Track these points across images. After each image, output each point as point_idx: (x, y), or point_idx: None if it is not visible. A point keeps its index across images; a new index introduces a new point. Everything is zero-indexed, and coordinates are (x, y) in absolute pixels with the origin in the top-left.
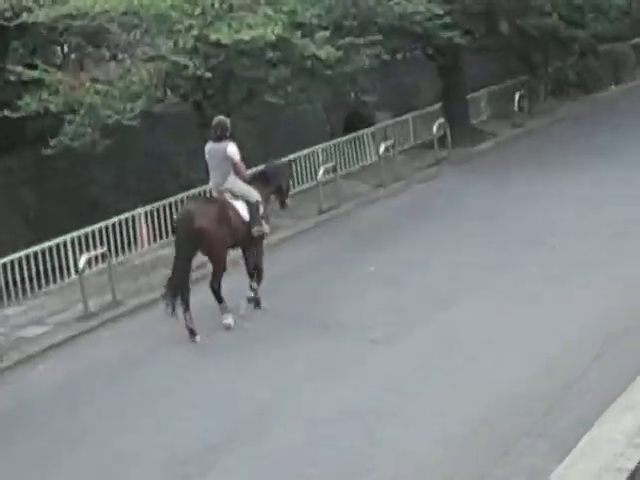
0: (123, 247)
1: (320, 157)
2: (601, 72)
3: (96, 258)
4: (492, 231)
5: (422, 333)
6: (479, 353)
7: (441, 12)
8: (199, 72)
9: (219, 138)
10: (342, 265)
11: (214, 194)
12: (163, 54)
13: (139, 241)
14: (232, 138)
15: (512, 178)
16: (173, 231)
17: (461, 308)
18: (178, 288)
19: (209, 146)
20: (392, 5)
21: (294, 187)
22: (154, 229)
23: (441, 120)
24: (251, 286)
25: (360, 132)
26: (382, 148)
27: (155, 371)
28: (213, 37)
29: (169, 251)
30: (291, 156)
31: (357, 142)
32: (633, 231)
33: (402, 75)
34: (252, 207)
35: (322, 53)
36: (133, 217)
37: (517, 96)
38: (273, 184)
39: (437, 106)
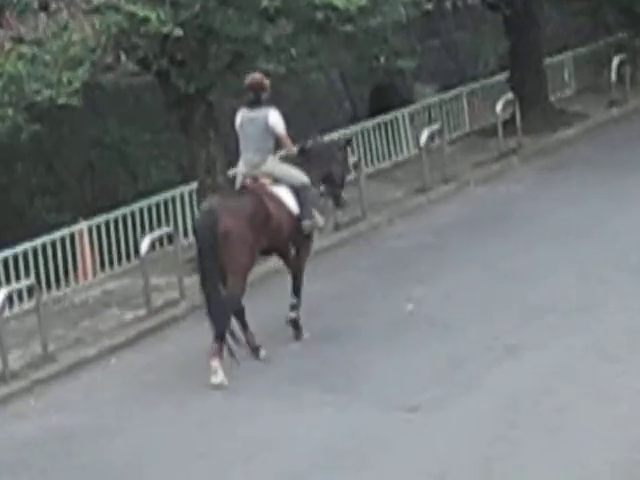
0: (58, 278)
1: None
2: None
3: (20, 293)
4: (580, 254)
5: (480, 397)
6: (563, 425)
7: None
8: (165, 28)
9: (255, 103)
10: (368, 303)
11: (247, 181)
12: (114, 3)
13: (81, 270)
14: (273, 103)
15: (609, 179)
16: (194, 233)
17: (534, 362)
18: (221, 319)
19: (242, 114)
20: None
21: None
22: (102, 253)
23: (508, 96)
24: (292, 305)
25: (393, 113)
26: (425, 136)
27: (104, 458)
28: None
29: (123, 283)
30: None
31: (389, 127)
32: None
33: (453, 32)
34: (301, 194)
35: (339, 1)
36: (72, 235)
37: (615, 62)
38: (320, 168)
39: (502, 76)
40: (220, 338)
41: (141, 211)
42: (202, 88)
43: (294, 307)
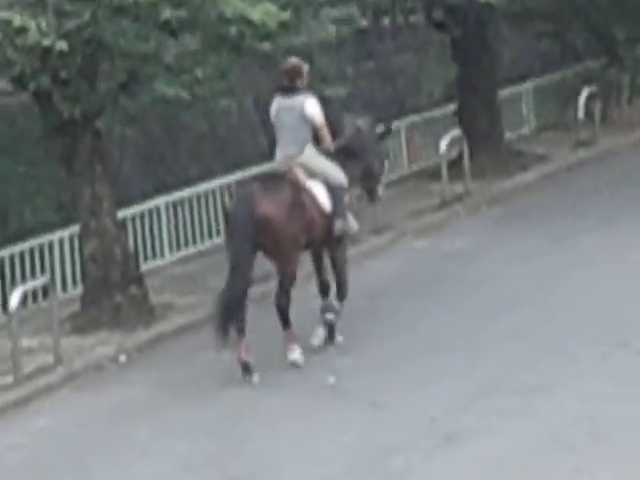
0: None
1: None
2: None
3: None
4: (536, 324)
5: None
6: None
7: None
8: (47, 41)
9: (291, 90)
10: (279, 375)
11: (281, 170)
12: None
13: None
14: (311, 90)
15: (573, 233)
16: (226, 221)
17: (478, 451)
18: (234, 306)
19: (278, 101)
20: None
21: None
22: None
23: (455, 133)
24: (325, 307)
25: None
26: None
27: None
28: None
29: None
30: (201, 188)
31: None
32: None
33: (390, 55)
34: (336, 193)
35: (255, 14)
36: None
37: (584, 95)
38: (358, 164)
39: (449, 109)
40: (285, 325)
41: (12, 258)
42: (89, 113)
43: (334, 310)
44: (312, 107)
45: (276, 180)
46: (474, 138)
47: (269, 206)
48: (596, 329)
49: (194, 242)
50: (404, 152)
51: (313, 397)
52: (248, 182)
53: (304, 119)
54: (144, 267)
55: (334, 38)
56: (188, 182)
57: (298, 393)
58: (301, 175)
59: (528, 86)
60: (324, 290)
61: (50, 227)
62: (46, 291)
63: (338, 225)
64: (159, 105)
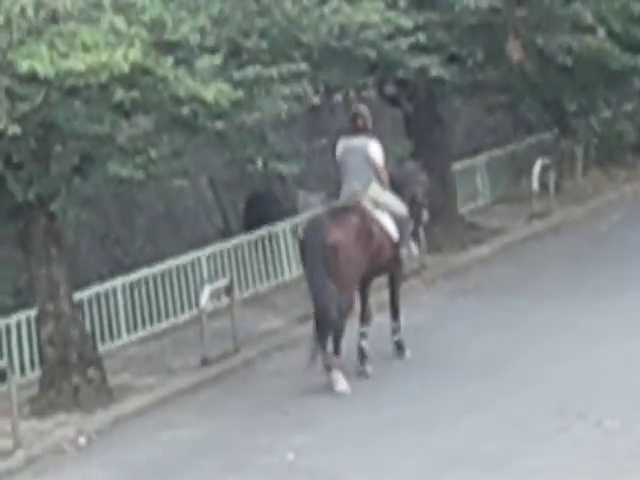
0: None
1: (204, 269)
2: None
3: None
4: (496, 396)
5: None
6: None
7: (410, 24)
8: (0, 125)
9: (358, 131)
10: (240, 454)
11: (348, 204)
12: None
13: None
14: (375, 133)
15: (530, 306)
16: (300, 250)
17: None
18: (329, 325)
19: (344, 142)
20: (327, 14)
21: None
22: None
23: None
24: (394, 329)
25: (273, 227)
26: None
27: None
28: (24, 65)
29: None
30: (157, 268)
31: (268, 243)
32: None
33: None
34: (401, 222)
35: (208, 93)
36: None
37: (538, 166)
38: (407, 194)
39: None
40: (336, 343)
41: None
42: (43, 195)
43: (395, 331)
44: (375, 150)
45: (344, 211)
46: (429, 212)
47: (338, 233)
48: (555, 401)
49: (151, 323)
50: None
51: (273, 475)
52: (319, 212)
53: (367, 160)
54: (102, 348)
55: (287, 115)
56: (144, 263)
57: (257, 471)
58: (368, 206)
59: (482, 159)
60: (368, 317)
61: (7, 310)
62: (4, 375)
63: (404, 251)
64: (113, 186)
